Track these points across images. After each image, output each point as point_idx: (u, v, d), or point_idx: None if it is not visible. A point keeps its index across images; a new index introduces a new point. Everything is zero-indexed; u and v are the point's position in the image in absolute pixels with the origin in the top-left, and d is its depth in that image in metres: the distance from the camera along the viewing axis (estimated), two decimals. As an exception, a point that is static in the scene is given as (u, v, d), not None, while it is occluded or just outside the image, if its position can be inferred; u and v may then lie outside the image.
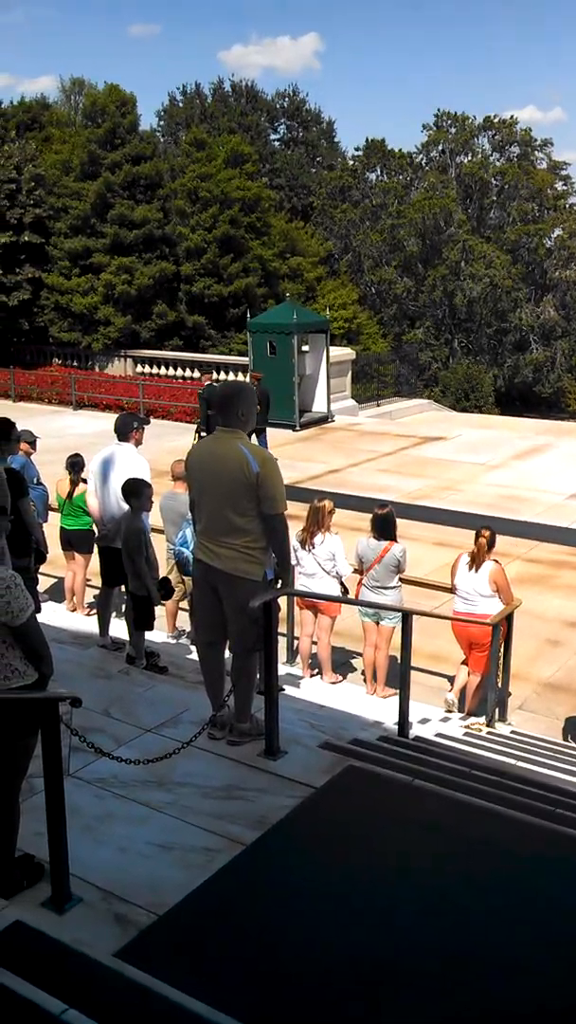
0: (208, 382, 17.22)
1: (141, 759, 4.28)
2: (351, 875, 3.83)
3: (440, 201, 39.57)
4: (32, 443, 8.77)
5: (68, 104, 42.44)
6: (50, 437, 13.47)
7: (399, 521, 7.90)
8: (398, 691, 6.27)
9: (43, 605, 7.84)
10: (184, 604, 7.90)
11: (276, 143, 45.15)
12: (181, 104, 44.47)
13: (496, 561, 7.36)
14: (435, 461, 16.78)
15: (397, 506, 8.75)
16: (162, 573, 7.16)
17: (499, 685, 7.28)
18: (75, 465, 8.84)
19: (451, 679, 7.76)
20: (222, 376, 22.00)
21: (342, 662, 8.32)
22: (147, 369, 25.38)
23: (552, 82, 78.28)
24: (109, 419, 8.86)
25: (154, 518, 7.11)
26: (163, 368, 24.91)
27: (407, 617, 6.39)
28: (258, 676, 5.09)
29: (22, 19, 75.89)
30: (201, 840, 4.01)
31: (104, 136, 27.00)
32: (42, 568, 7.26)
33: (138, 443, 7.12)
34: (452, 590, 7.54)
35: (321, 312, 24.38)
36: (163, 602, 7.07)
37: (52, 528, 8.52)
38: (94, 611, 8.12)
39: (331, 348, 21.31)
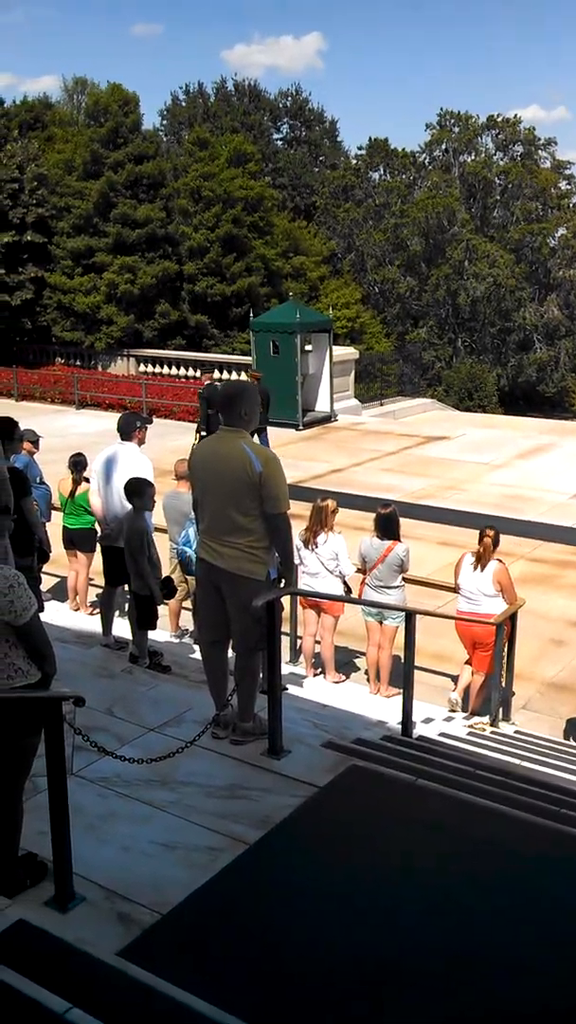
0: (208, 381, 17.21)
1: (144, 758, 4.27)
2: (355, 875, 3.82)
3: (443, 200, 39.52)
4: (35, 442, 8.77)
5: (71, 103, 42.46)
6: (53, 436, 13.50)
7: (402, 520, 7.90)
8: (401, 691, 6.28)
9: (46, 604, 7.85)
10: (187, 603, 7.91)
11: (279, 142, 45.13)
12: (184, 103, 44.46)
13: (500, 561, 7.36)
14: (439, 461, 16.75)
15: (400, 505, 8.74)
16: (165, 572, 7.16)
17: (503, 685, 7.27)
18: (78, 464, 8.87)
19: (455, 679, 7.75)
20: (225, 375, 22.00)
21: (345, 662, 8.32)
22: (150, 368, 25.37)
23: (555, 82, 78.24)
24: (112, 418, 8.85)
25: (157, 517, 7.11)
26: (166, 367, 24.90)
27: (411, 617, 6.39)
28: (261, 675, 5.09)
29: (22, 19, 75.98)
30: (204, 839, 4.01)
31: (107, 135, 27.01)
32: (45, 567, 7.26)
33: (141, 442, 7.12)
34: (456, 590, 7.54)
35: (324, 311, 24.34)
36: (166, 601, 7.08)
37: (55, 527, 8.54)
38: (97, 610, 8.14)
39: (334, 347, 21.28)
